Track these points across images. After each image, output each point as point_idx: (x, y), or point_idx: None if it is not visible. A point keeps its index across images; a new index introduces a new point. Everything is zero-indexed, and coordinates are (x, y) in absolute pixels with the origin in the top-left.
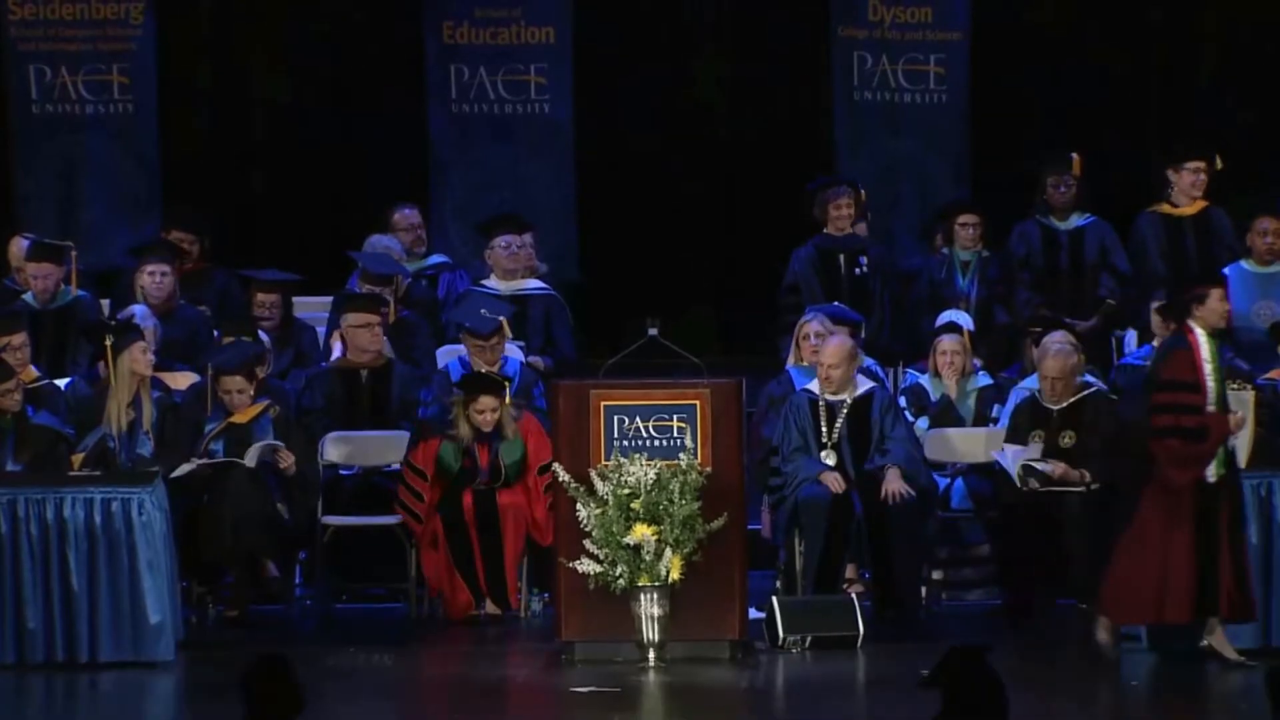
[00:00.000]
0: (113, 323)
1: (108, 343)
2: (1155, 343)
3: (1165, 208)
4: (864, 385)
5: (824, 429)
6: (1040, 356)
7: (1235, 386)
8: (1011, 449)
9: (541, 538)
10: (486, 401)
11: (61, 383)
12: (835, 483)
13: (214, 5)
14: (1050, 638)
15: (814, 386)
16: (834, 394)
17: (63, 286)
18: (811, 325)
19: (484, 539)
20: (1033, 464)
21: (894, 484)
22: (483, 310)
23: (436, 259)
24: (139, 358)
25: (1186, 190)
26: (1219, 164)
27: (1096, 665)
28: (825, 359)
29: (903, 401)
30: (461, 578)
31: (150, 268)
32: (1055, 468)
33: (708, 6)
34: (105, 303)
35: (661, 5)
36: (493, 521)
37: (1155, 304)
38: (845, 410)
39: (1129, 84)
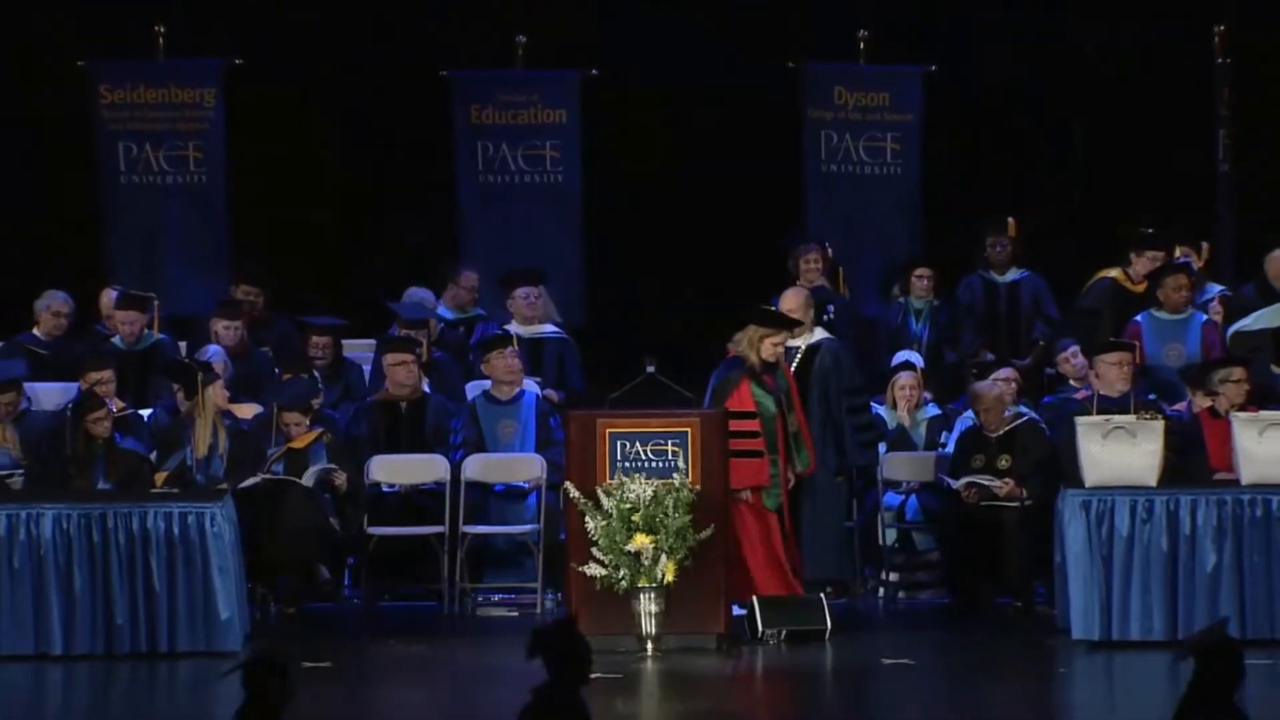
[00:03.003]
0: (194, 363)
1: (200, 378)
2: (1074, 381)
3: (1120, 276)
4: (818, 335)
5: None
6: (976, 390)
7: (1147, 416)
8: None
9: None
10: (784, 335)
11: (144, 413)
12: None
13: (274, 94)
14: (991, 631)
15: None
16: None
17: (146, 331)
18: None
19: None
20: (980, 480)
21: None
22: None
23: (477, 311)
24: (220, 393)
25: (1140, 273)
26: (1176, 253)
27: (1031, 654)
28: (784, 304)
29: None
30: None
31: (225, 323)
32: (1003, 486)
33: (698, 90)
34: (182, 345)
35: (658, 91)
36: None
37: (1063, 353)
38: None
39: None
